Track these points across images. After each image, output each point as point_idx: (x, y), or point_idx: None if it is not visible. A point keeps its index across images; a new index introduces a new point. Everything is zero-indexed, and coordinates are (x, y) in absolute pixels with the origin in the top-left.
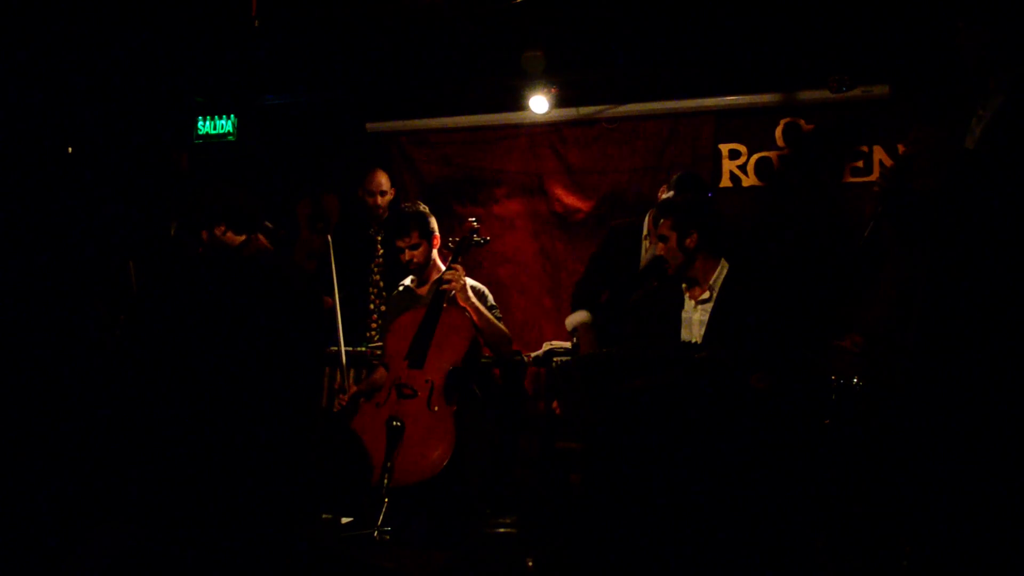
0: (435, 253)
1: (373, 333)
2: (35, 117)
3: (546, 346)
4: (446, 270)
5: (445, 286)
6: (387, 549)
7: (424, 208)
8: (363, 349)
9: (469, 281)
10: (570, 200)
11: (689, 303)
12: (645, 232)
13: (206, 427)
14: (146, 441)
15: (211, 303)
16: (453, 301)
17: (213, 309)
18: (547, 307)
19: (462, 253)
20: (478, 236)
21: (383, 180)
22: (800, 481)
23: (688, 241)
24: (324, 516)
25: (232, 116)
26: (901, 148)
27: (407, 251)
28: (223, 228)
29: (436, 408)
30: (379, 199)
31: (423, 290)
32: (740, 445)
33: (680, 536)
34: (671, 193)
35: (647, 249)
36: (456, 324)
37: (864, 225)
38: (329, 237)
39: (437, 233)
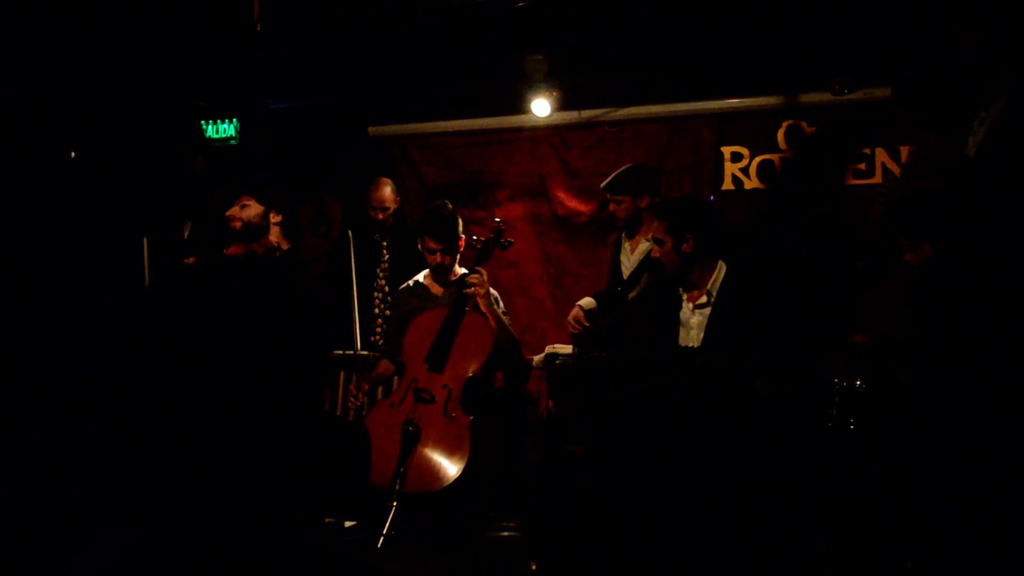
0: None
1: (378, 338)
2: (38, 119)
3: (548, 350)
4: (470, 273)
5: (469, 290)
6: (390, 552)
7: (453, 208)
8: (366, 352)
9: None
10: (572, 203)
11: (687, 306)
12: (625, 234)
13: (209, 428)
14: (149, 442)
15: (216, 304)
16: (475, 306)
17: (217, 310)
18: (549, 310)
19: (487, 256)
20: (504, 238)
21: (387, 195)
22: (803, 484)
23: (684, 247)
24: (327, 520)
25: (234, 120)
26: (904, 153)
27: (439, 254)
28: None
29: (453, 415)
30: (380, 214)
31: (438, 289)
32: (742, 448)
33: (683, 539)
34: (604, 185)
35: (626, 252)
36: (478, 330)
37: (859, 257)
38: (350, 233)
39: (464, 236)
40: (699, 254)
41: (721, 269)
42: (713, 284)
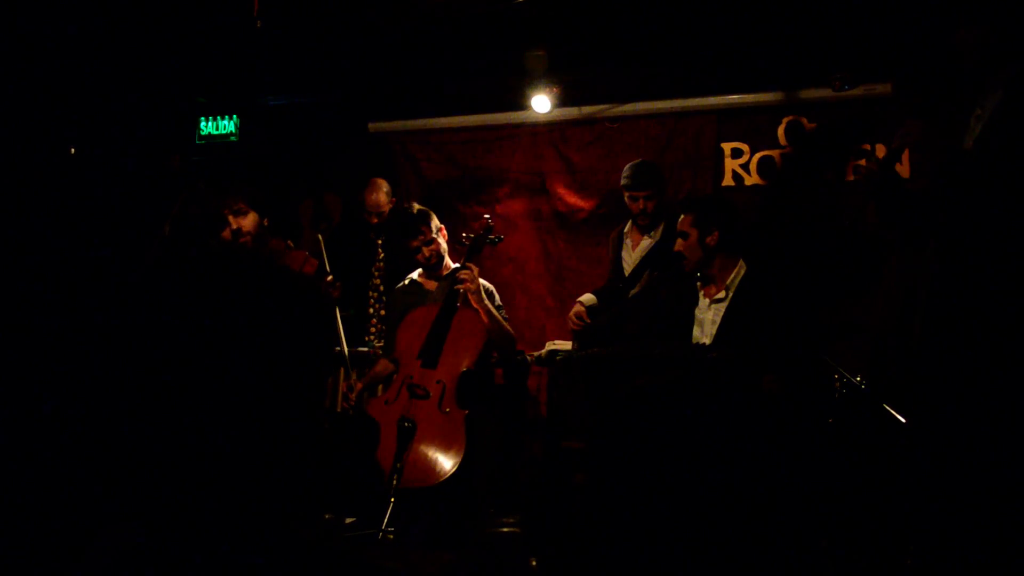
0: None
1: (372, 337)
2: (36, 118)
3: (549, 346)
4: (460, 269)
5: (459, 286)
6: (391, 549)
7: (422, 207)
8: (365, 350)
9: (481, 281)
10: (572, 200)
11: (703, 301)
12: (627, 229)
13: (210, 427)
14: (150, 441)
15: (214, 302)
16: (466, 302)
17: (216, 308)
18: (549, 306)
19: (476, 252)
20: (492, 234)
21: (381, 199)
22: (804, 480)
23: (709, 239)
24: (327, 516)
25: (234, 116)
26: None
27: (424, 248)
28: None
29: (448, 410)
30: (375, 219)
31: (431, 285)
32: (744, 444)
33: (684, 536)
34: (626, 181)
35: (627, 248)
36: (470, 325)
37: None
38: (320, 237)
39: (443, 226)
40: (723, 247)
41: (742, 268)
42: (733, 280)
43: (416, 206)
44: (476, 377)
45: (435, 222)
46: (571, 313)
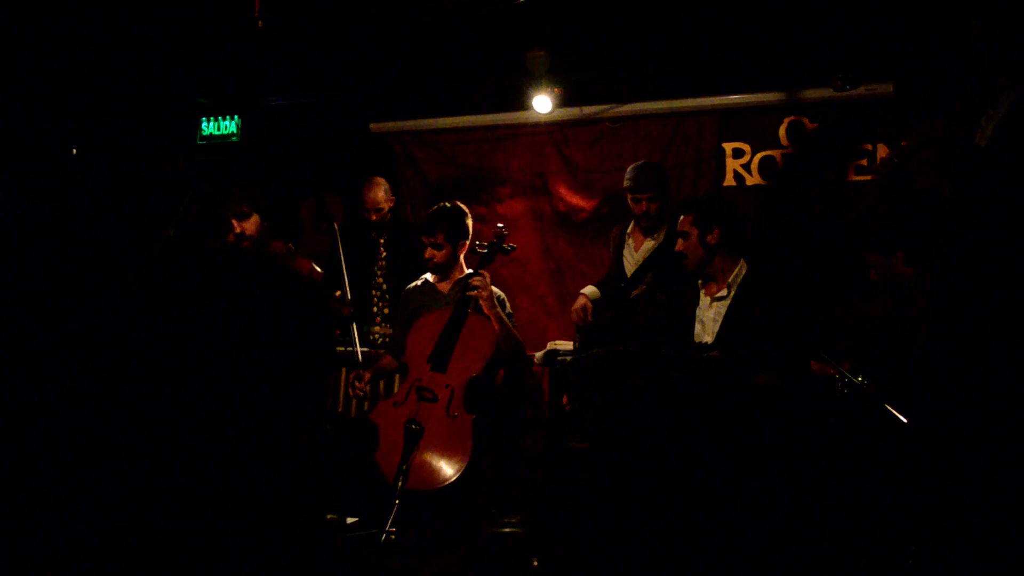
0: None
1: (376, 336)
2: (37, 118)
3: (550, 346)
4: (473, 275)
5: (471, 292)
6: (393, 548)
7: (462, 207)
8: (365, 349)
9: (492, 288)
10: (574, 200)
11: (704, 299)
12: (629, 230)
13: (212, 427)
14: (151, 440)
15: (216, 303)
16: (478, 308)
17: (220, 309)
18: (551, 306)
19: (490, 260)
20: (506, 243)
21: (380, 196)
22: (806, 480)
23: (709, 237)
24: (329, 516)
25: (236, 117)
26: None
27: (429, 249)
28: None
29: (455, 415)
30: (374, 215)
31: (445, 286)
32: (747, 444)
33: (686, 535)
34: (629, 183)
35: (630, 247)
36: (480, 332)
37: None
38: (336, 226)
39: (468, 238)
40: (724, 245)
41: (743, 266)
42: (735, 278)
43: (455, 205)
44: (484, 383)
45: (462, 228)
46: (575, 306)
